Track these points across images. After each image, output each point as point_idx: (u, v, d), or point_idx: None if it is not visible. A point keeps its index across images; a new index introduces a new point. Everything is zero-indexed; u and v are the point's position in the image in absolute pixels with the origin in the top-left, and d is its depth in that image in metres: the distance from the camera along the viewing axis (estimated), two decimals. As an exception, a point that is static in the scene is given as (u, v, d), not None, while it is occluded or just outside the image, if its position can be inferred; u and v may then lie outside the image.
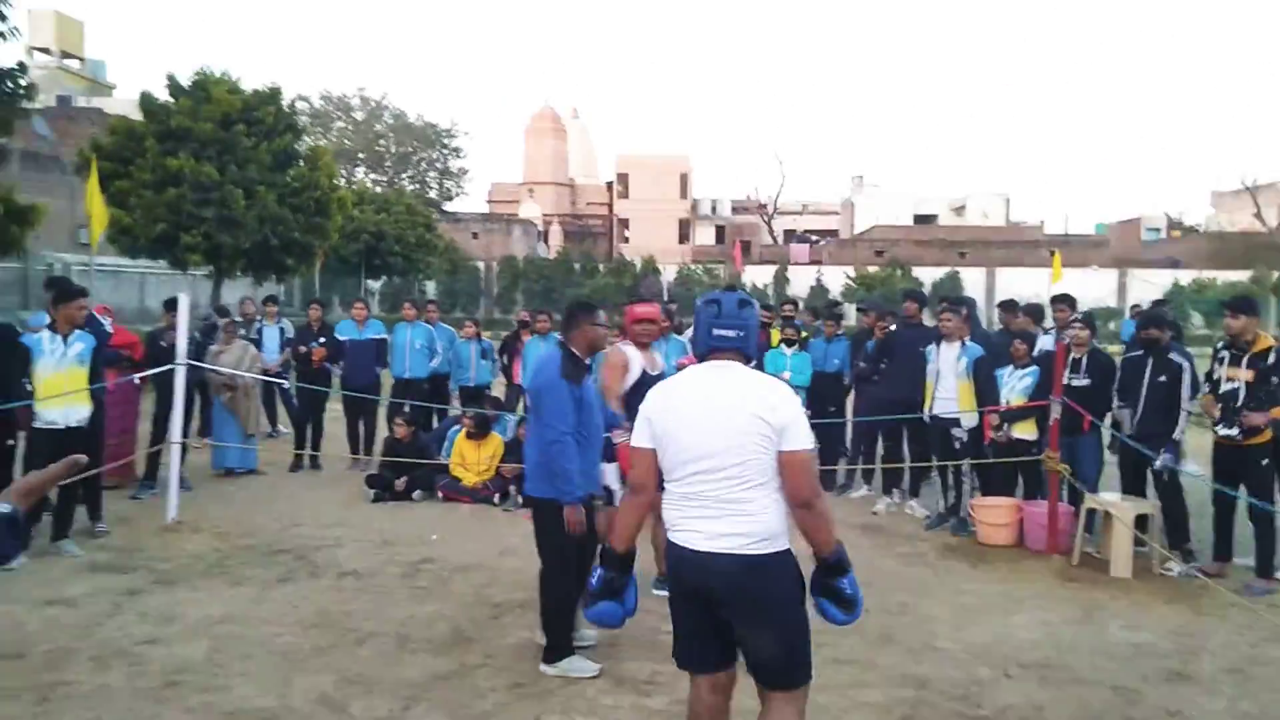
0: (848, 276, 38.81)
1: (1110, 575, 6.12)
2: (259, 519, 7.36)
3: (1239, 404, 5.93)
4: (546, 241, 52.26)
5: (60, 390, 6.20)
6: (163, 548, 6.45)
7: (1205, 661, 4.70)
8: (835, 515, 7.68)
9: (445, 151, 62.73)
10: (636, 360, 5.22)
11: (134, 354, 8.22)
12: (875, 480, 8.75)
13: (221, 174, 18.09)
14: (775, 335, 9.49)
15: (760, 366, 8.82)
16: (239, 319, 10.22)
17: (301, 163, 20.26)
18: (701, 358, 3.01)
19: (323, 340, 9.64)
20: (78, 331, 6.43)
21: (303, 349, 9.64)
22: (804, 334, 9.38)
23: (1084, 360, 6.90)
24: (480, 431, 8.40)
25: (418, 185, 60.05)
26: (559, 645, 4.39)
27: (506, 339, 10.71)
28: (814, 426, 8.84)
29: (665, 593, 5.19)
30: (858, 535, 7.27)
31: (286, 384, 10.06)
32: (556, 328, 10.35)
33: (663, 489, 2.99)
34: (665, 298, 26.67)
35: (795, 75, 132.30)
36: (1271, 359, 5.90)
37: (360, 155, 59.13)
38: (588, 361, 4.56)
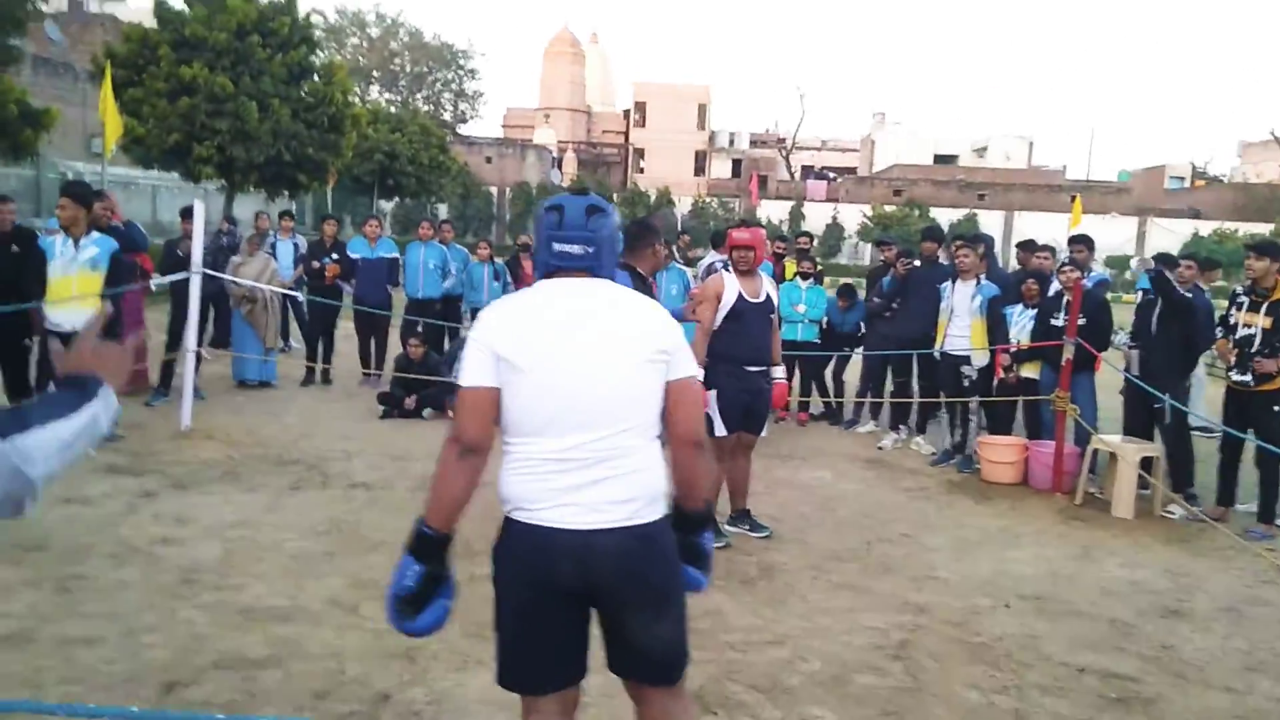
0: (864, 216, 38.47)
1: (1112, 516, 6.18)
2: (270, 430, 7.45)
3: (1254, 350, 5.91)
4: (561, 168, 51.76)
5: (68, 294, 6.22)
6: (176, 453, 6.54)
7: (1201, 600, 4.77)
8: (843, 449, 7.90)
9: (461, 72, 61.82)
10: (733, 287, 5.20)
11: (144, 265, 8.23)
12: (882, 416, 8.79)
13: (235, 85, 17.90)
14: (790, 267, 9.46)
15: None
16: (256, 232, 10.20)
17: (316, 77, 20.02)
18: (544, 279, 2.36)
19: (335, 257, 9.64)
20: (96, 235, 6.42)
21: (316, 265, 9.64)
22: (819, 268, 9.35)
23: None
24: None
25: (432, 106, 59.30)
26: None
27: (508, 263, 10.70)
28: (821, 362, 9.02)
29: (744, 530, 5.30)
30: (863, 469, 7.34)
31: (302, 298, 10.08)
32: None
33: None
34: (679, 229, 26.54)
35: (819, 7, 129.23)
36: (1291, 307, 5.87)
37: (375, 73, 58.30)
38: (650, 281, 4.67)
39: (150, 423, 7.32)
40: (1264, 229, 36.38)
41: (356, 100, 26.56)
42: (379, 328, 9.75)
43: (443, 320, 9.91)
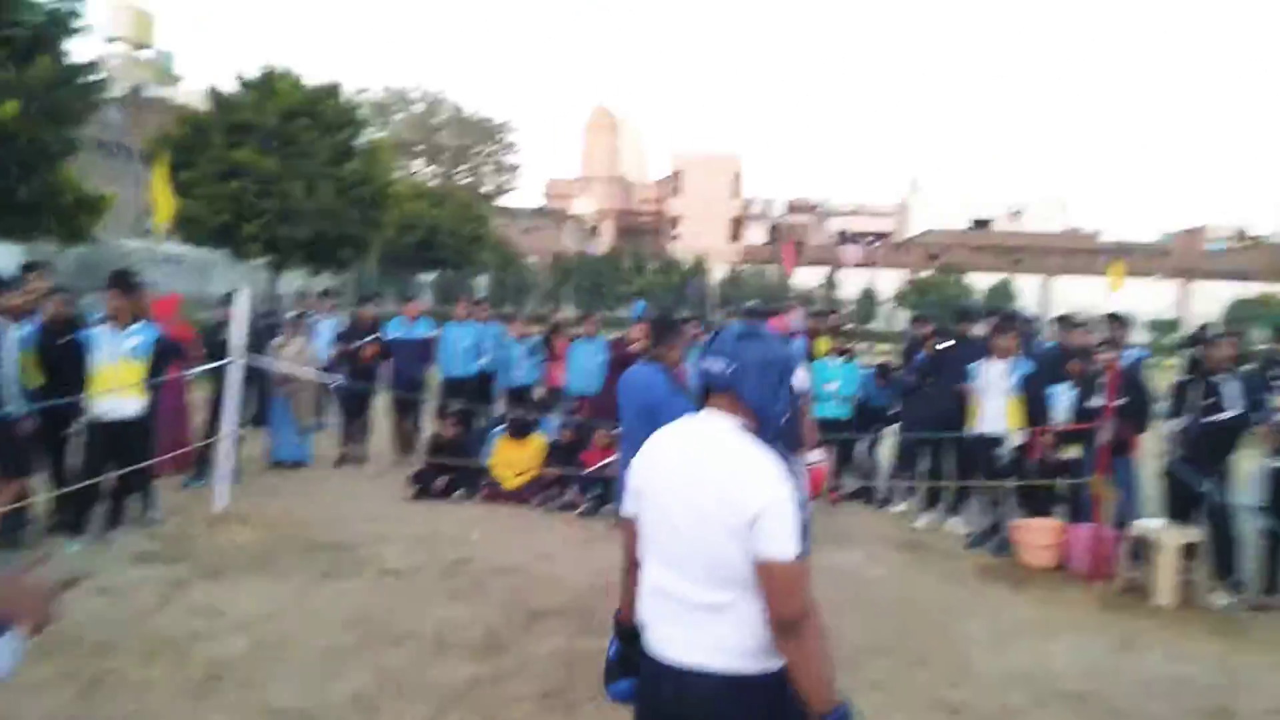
0: (901, 282, 38.39)
1: (1153, 604, 6.01)
2: (304, 512, 7.51)
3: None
4: (598, 237, 52.47)
5: (113, 383, 6.38)
6: (211, 538, 6.62)
7: (1246, 698, 4.60)
8: (876, 530, 7.78)
9: (500, 146, 63.26)
10: None
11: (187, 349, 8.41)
12: (916, 496, 8.66)
13: (282, 166, 18.51)
14: (823, 344, 9.44)
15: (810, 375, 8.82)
16: (298, 313, 10.40)
17: (358, 157, 20.65)
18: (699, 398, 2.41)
19: (375, 336, 9.81)
20: (140, 324, 6.60)
21: (352, 346, 9.81)
22: (852, 346, 9.34)
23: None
24: (519, 432, 8.48)
25: (472, 178, 60.62)
26: None
27: (544, 340, 10.77)
28: (855, 441, 8.94)
29: None
30: (896, 552, 7.22)
31: (338, 380, 10.23)
32: (602, 329, 10.40)
33: None
34: (707, 301, 26.74)
35: (853, 75, 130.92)
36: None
37: (419, 147, 59.84)
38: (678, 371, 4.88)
39: (188, 506, 7.43)
40: (1311, 291, 35.76)
41: (398, 174, 27.31)
42: (414, 407, 9.86)
43: (477, 400, 10.00)
